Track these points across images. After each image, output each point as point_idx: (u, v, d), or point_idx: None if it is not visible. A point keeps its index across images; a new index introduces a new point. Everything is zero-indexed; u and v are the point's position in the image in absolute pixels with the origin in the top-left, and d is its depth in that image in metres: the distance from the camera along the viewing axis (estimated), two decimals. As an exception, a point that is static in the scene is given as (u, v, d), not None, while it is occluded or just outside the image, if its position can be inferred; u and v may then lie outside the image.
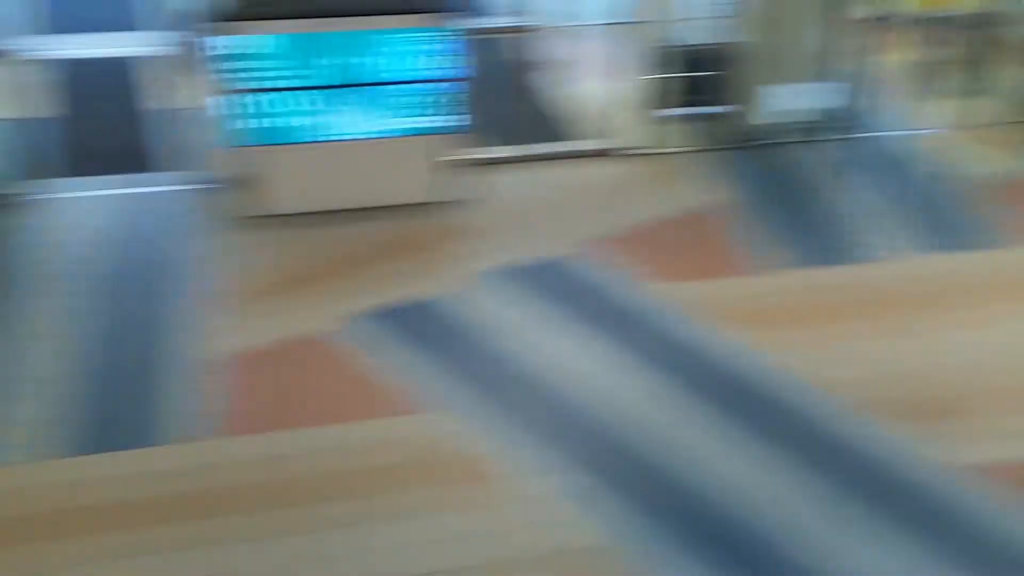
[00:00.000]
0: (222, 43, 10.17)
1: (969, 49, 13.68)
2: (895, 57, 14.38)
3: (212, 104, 11.38)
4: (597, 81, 13.97)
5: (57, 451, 8.44)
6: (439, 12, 10.68)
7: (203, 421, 8.77)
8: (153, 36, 13.83)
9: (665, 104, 13.37)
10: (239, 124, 10.58)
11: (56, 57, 13.61)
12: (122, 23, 14.59)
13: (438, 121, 11.10)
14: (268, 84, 10.48)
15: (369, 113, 10.89)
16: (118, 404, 8.89)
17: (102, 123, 12.53)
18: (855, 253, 11.30)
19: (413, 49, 10.71)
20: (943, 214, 11.98)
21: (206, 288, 10.15)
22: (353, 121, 10.88)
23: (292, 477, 8.35)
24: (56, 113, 12.52)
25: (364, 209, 11.30)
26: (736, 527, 8.12)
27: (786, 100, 13.42)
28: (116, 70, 13.56)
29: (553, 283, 10.53)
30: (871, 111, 12.37)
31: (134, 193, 11.42)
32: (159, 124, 12.48)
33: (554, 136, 12.63)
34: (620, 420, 9.01)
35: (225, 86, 10.38)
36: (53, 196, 11.27)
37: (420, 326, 9.88)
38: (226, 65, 10.29)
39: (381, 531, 7.93)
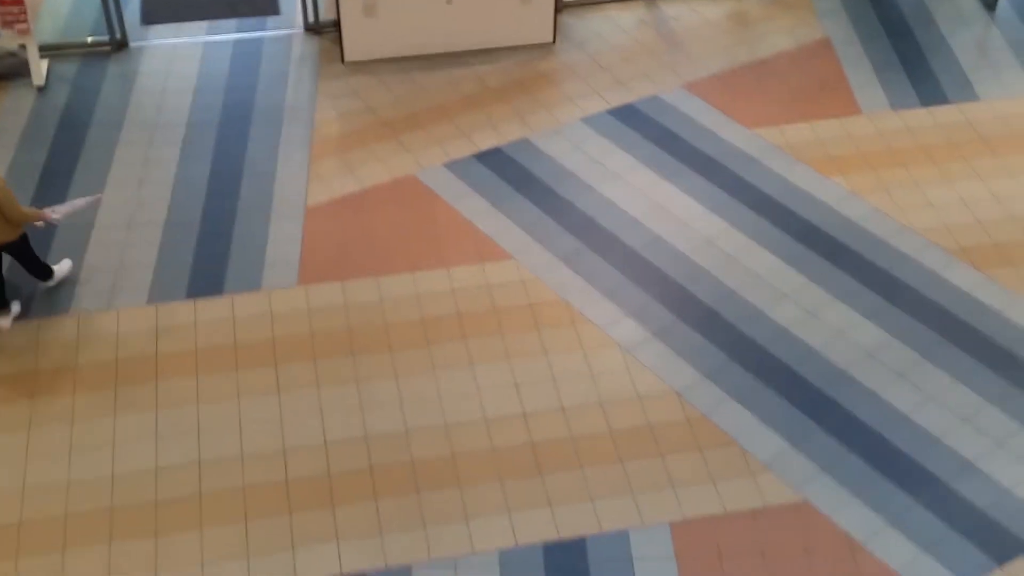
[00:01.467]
0: None
1: None
2: None
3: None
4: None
5: (160, 296, 8.87)
6: None
7: (302, 266, 9.14)
8: None
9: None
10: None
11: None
12: None
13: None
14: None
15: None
16: (219, 250, 9.24)
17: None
18: (963, 92, 10.99)
19: None
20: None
21: (304, 134, 10.38)
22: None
23: (395, 320, 8.72)
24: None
25: (465, 52, 11.37)
26: (821, 370, 8.47)
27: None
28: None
29: (650, 126, 10.54)
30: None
31: (238, 39, 11.52)
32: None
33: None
34: (711, 264, 9.20)
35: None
36: (157, 42, 11.46)
37: (512, 170, 10.06)
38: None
39: (486, 372, 8.35)
